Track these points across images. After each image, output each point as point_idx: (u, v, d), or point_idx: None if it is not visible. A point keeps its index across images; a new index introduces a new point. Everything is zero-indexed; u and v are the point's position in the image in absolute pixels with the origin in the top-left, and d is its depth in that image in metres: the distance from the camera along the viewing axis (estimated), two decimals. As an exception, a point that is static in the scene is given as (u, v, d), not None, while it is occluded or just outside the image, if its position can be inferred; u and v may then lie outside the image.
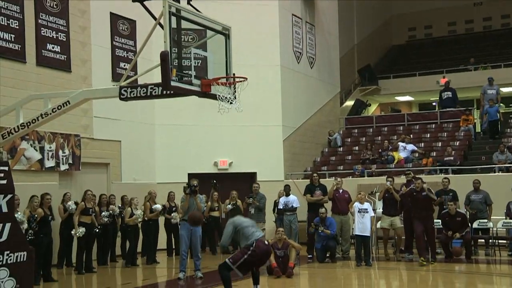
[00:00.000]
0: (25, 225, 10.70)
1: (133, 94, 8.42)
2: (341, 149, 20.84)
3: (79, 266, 12.49)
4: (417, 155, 18.45)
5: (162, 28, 7.94)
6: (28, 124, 8.98)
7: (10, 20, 12.89)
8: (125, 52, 16.09)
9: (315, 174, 15.10)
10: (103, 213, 13.26)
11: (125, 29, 16.16)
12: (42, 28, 13.69)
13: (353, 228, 13.33)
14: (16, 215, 9.35)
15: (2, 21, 12.70)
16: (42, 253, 11.20)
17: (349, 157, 19.99)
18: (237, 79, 8.72)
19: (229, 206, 15.19)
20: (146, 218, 13.95)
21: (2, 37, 12.69)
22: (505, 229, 14.14)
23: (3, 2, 12.73)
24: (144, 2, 8.80)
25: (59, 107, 8.80)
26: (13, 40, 12.93)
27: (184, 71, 8.24)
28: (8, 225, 8.04)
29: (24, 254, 8.17)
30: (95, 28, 15.16)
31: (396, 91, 27.22)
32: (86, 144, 14.74)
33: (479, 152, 18.93)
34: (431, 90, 25.71)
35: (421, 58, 30.18)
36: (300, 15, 20.10)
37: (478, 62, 26.02)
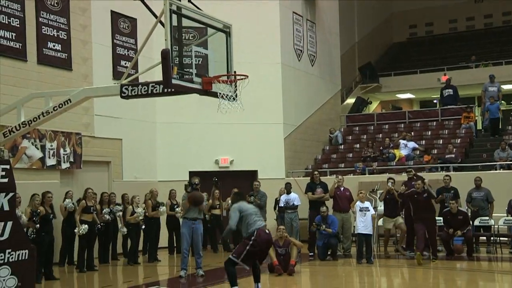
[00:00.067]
0: (24, 219, 10.68)
1: (134, 92, 8.42)
2: (342, 146, 20.83)
3: (81, 264, 12.49)
4: (418, 152, 18.44)
5: (163, 26, 7.93)
6: (29, 122, 8.98)
7: (11, 19, 12.90)
8: (126, 50, 16.09)
9: (316, 172, 15.12)
10: (104, 210, 13.27)
11: (126, 27, 16.15)
12: (43, 27, 13.69)
13: (354, 226, 13.33)
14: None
15: (3, 20, 12.70)
16: (44, 251, 11.21)
17: (350, 155, 19.98)
18: (238, 77, 8.71)
19: (229, 200, 15.18)
20: (147, 216, 13.96)
21: (3, 35, 12.70)
22: (506, 227, 14.15)
23: (4, 1, 12.74)
24: (145, 0, 8.79)
25: (60, 106, 8.80)
26: (14, 38, 12.94)
27: (185, 69, 8.23)
28: (9, 224, 8.04)
29: (25, 252, 8.18)
30: (96, 26, 15.16)
31: (397, 89, 27.19)
32: (87, 142, 14.75)
33: (480, 149, 18.91)
34: (432, 87, 25.68)
35: (422, 56, 30.15)
36: (301, 13, 20.08)
37: (479, 60, 25.98)
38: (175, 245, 15.19)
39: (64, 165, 14.01)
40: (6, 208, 8.06)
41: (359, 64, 26.71)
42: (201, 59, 8.76)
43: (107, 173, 15.60)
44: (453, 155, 17.43)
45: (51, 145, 13.66)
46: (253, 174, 17.55)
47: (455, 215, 13.29)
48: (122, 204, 13.92)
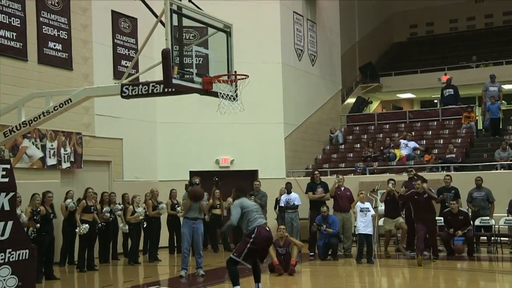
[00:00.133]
0: (23, 218, 10.69)
1: (135, 92, 8.41)
2: (342, 146, 20.83)
3: (81, 264, 12.49)
4: (418, 152, 18.43)
5: (164, 26, 7.93)
6: (30, 122, 8.98)
7: (12, 18, 12.90)
8: (126, 50, 16.09)
9: (316, 172, 15.12)
10: (105, 208, 13.27)
11: (127, 27, 16.15)
12: (43, 26, 13.69)
13: (355, 226, 13.32)
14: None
15: (4, 19, 12.70)
16: (44, 251, 11.22)
17: (351, 155, 19.98)
18: (238, 77, 8.71)
19: (230, 199, 15.19)
20: (145, 222, 13.95)
21: (3, 35, 12.70)
22: (507, 227, 14.15)
23: (5, 0, 12.73)
24: (146, 0, 8.79)
25: (61, 105, 8.80)
26: (14, 38, 12.94)
27: (185, 69, 8.23)
28: (10, 223, 8.04)
29: (26, 252, 8.18)
30: (96, 26, 15.16)
31: (398, 89, 27.19)
32: (87, 142, 14.75)
33: (481, 149, 18.91)
34: (432, 87, 25.68)
35: (422, 55, 30.14)
36: (302, 12, 20.08)
37: (480, 59, 25.98)
38: (175, 245, 15.19)
39: (65, 165, 14.01)
40: (7, 207, 8.06)
41: (359, 63, 26.71)
42: (201, 58, 8.75)
43: (108, 173, 15.60)
44: (453, 155, 17.42)
45: (52, 145, 13.66)
46: (253, 174, 17.55)
47: (455, 215, 13.28)
48: (123, 204, 13.93)
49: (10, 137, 9.31)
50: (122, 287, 11.37)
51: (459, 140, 19.32)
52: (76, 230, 12.42)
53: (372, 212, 12.94)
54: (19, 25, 13.04)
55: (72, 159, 14.18)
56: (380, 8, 30.39)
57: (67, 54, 14.26)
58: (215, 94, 8.45)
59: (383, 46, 31.35)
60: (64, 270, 12.82)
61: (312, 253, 13.85)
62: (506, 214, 14.04)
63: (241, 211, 8.67)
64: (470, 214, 14.03)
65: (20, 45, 13.07)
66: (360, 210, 12.78)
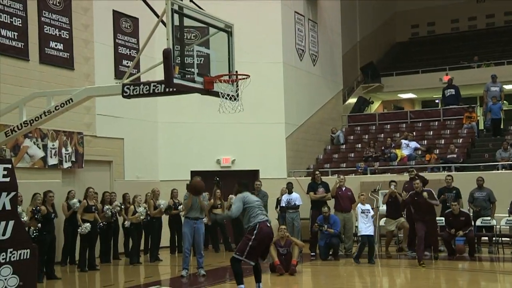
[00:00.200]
0: (24, 217, 10.70)
1: (136, 91, 8.42)
2: (343, 146, 20.82)
3: (82, 264, 12.50)
4: (420, 152, 18.43)
5: (165, 26, 7.92)
6: (31, 122, 8.98)
7: (13, 18, 12.91)
8: (127, 49, 16.10)
9: (317, 172, 15.13)
10: (106, 207, 13.27)
11: (128, 27, 16.16)
12: (45, 26, 13.70)
13: (356, 226, 13.31)
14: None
15: (5, 19, 12.71)
16: (45, 250, 11.23)
17: (352, 155, 19.97)
18: (239, 77, 8.71)
19: (232, 195, 15.17)
20: (149, 216, 13.96)
21: (5, 35, 12.71)
22: (508, 227, 14.14)
23: (6, 0, 12.74)
24: (147, 0, 8.79)
25: (62, 105, 8.80)
26: (16, 38, 12.95)
27: (186, 69, 8.23)
28: (11, 223, 8.04)
29: (27, 252, 8.18)
30: (97, 26, 15.16)
31: (399, 89, 27.19)
32: (89, 142, 14.76)
33: (482, 149, 18.89)
34: (434, 87, 25.67)
35: (424, 56, 30.14)
36: (303, 12, 20.07)
37: (481, 60, 25.97)
38: (176, 244, 15.20)
39: (66, 165, 14.02)
40: (8, 207, 8.06)
41: (361, 63, 26.71)
42: (202, 58, 8.76)
43: (109, 172, 15.61)
44: (455, 155, 17.41)
45: (53, 145, 13.67)
46: (254, 174, 17.54)
47: (457, 216, 13.27)
48: (123, 203, 13.94)
49: (11, 137, 9.32)
50: (123, 286, 11.37)
51: (461, 140, 19.31)
52: (79, 230, 12.42)
53: (372, 212, 12.95)
54: (20, 25, 13.05)
55: (73, 158, 14.18)
56: (382, 8, 30.39)
57: (68, 54, 14.27)
58: (216, 94, 8.45)
59: (385, 46, 31.35)
60: (66, 269, 12.83)
61: (313, 253, 13.85)
62: (508, 215, 14.03)
63: (242, 205, 8.63)
64: (472, 214, 14.02)
65: (21, 44, 13.08)
66: (361, 212, 12.78)
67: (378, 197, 15.30)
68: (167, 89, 8.19)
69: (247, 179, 10.28)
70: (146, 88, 8.36)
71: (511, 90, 24.85)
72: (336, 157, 20.11)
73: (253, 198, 8.91)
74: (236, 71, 8.81)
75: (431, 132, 20.65)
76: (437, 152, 18.45)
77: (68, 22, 14.29)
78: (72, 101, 8.78)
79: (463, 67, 25.85)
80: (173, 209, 14.78)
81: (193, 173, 15.81)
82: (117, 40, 15.82)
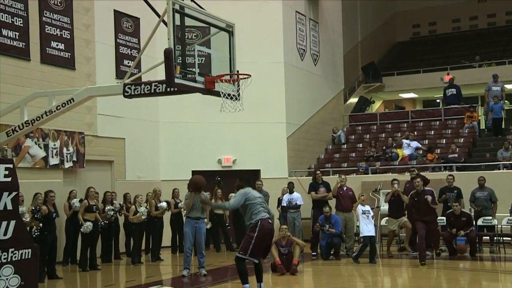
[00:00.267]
0: (26, 217, 10.72)
1: (137, 91, 8.42)
2: (345, 146, 20.82)
3: (83, 264, 12.51)
4: (421, 152, 18.42)
5: (166, 26, 7.93)
6: (33, 121, 8.99)
7: (15, 18, 12.92)
8: (129, 49, 16.11)
9: (318, 172, 15.13)
10: (107, 207, 13.28)
11: (129, 27, 16.17)
12: (46, 26, 13.71)
13: (357, 226, 13.30)
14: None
15: (7, 19, 12.72)
16: (47, 250, 11.24)
17: (353, 154, 19.97)
18: (240, 76, 8.71)
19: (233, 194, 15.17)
20: (151, 215, 13.96)
21: (6, 35, 12.71)
22: (510, 226, 14.13)
23: (8, 0, 12.75)
24: (148, 0, 8.80)
25: (63, 105, 8.81)
26: (17, 37, 12.96)
27: (188, 68, 8.23)
28: (12, 223, 8.04)
29: (28, 252, 8.18)
30: (99, 26, 15.17)
31: (400, 88, 27.19)
32: (90, 142, 14.76)
33: (483, 149, 18.89)
34: (435, 87, 25.67)
35: (425, 55, 30.13)
36: (304, 12, 20.07)
37: (483, 59, 25.97)
38: (178, 244, 15.20)
39: (67, 165, 14.03)
40: (9, 207, 8.06)
41: (362, 63, 26.72)
42: (204, 58, 8.76)
43: (110, 172, 15.62)
44: (456, 155, 17.40)
45: (54, 144, 13.68)
46: (255, 174, 17.54)
47: (458, 217, 13.27)
48: (124, 203, 13.94)
49: (12, 137, 9.33)
50: (124, 286, 11.37)
51: (462, 140, 19.30)
52: (81, 229, 12.42)
53: (372, 213, 12.95)
54: (21, 25, 13.06)
55: (74, 158, 14.19)
56: (383, 8, 30.38)
57: (69, 54, 14.28)
58: (218, 94, 8.46)
59: (386, 45, 31.34)
60: (67, 269, 12.83)
61: (315, 253, 13.86)
62: (509, 214, 14.03)
63: (243, 201, 8.59)
64: (473, 214, 14.01)
65: (22, 44, 13.09)
66: (362, 213, 12.77)
67: (380, 197, 15.29)
68: (168, 89, 8.20)
69: (248, 175, 10.27)
70: (147, 88, 8.36)
71: (512, 90, 24.86)
72: (337, 157, 20.11)
73: (255, 194, 8.81)
74: (237, 71, 8.81)
75: (432, 131, 20.64)
76: (438, 151, 18.44)
77: (69, 22, 14.30)
78: (73, 101, 8.79)
79: (464, 66, 25.84)
80: (173, 208, 14.77)
81: (194, 173, 15.78)
82: (118, 40, 15.83)
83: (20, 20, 13.05)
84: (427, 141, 19.73)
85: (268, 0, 18.21)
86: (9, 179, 8.13)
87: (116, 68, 15.63)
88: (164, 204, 14.17)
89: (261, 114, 17.38)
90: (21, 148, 12.83)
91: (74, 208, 12.60)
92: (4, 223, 7.96)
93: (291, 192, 15.02)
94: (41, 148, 13.36)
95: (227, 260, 13.68)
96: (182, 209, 14.49)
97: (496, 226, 13.97)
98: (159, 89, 8.28)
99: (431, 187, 12.89)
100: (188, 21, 8.39)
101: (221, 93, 8.42)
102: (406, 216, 13.64)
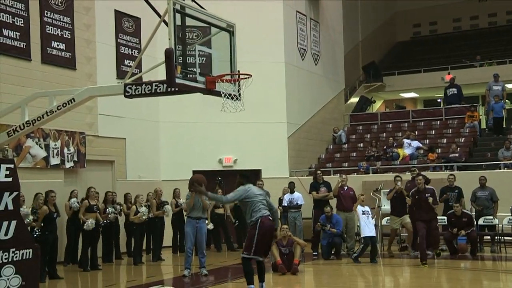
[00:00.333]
0: (30, 218, 10.73)
1: (138, 91, 8.43)
2: (345, 146, 20.82)
3: (84, 263, 12.51)
4: (422, 151, 18.41)
5: (167, 26, 7.94)
6: (33, 121, 9.00)
7: (15, 18, 12.92)
8: (129, 49, 16.11)
9: (318, 172, 15.12)
10: (108, 209, 13.28)
11: (130, 27, 16.17)
12: (47, 26, 13.71)
13: (358, 226, 13.30)
14: (21, 209, 9.41)
15: (7, 19, 12.73)
16: (48, 250, 11.24)
17: (354, 154, 19.97)
18: (241, 76, 8.71)
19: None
20: (151, 216, 13.96)
21: (7, 35, 12.72)
22: (510, 226, 14.11)
23: (9, 0, 12.76)
24: (149, 0, 8.80)
25: (64, 105, 8.81)
26: (18, 38, 12.96)
27: (188, 68, 8.23)
28: (13, 223, 8.05)
29: (29, 251, 8.19)
30: (99, 26, 15.18)
31: (401, 88, 27.18)
32: (91, 142, 14.77)
33: (484, 148, 18.88)
34: (436, 86, 25.66)
35: (425, 55, 30.12)
36: (305, 12, 20.07)
37: (483, 59, 25.95)
38: (179, 244, 15.20)
39: (68, 164, 14.04)
40: (10, 207, 8.07)
41: (362, 63, 26.71)
42: (204, 58, 8.76)
43: (111, 172, 15.62)
44: (457, 154, 17.39)
45: (55, 144, 13.69)
46: (256, 173, 17.53)
47: (459, 217, 13.26)
48: (125, 203, 13.94)
49: (13, 137, 9.33)
50: (125, 286, 11.37)
51: (463, 139, 19.30)
52: (84, 226, 12.39)
53: (372, 213, 12.95)
54: (22, 25, 13.07)
55: (75, 158, 14.20)
56: (383, 7, 30.38)
57: (70, 54, 14.28)
58: (218, 94, 8.46)
59: (386, 45, 31.33)
60: (68, 269, 12.83)
61: (315, 253, 13.85)
62: (510, 214, 14.02)
63: (242, 198, 8.55)
64: (474, 213, 14.00)
65: (23, 44, 13.10)
66: (362, 213, 12.77)
67: (380, 197, 15.28)
68: (169, 89, 8.20)
69: (249, 172, 10.24)
70: (148, 88, 8.37)
71: (513, 89, 24.84)
72: (338, 157, 20.11)
73: (256, 191, 8.73)
74: (238, 71, 8.82)
75: (433, 131, 20.64)
76: (439, 151, 18.44)
77: (70, 22, 14.31)
78: (74, 101, 8.80)
79: (465, 66, 25.83)
80: (174, 207, 14.77)
81: (195, 173, 15.78)
82: (119, 40, 15.84)
83: (21, 20, 13.06)
84: (428, 140, 19.73)
85: (268, 0, 18.20)
86: (10, 179, 8.13)
87: (117, 68, 15.64)
88: (169, 207, 14.15)
89: (262, 114, 17.38)
90: (22, 148, 12.84)
91: (74, 207, 12.60)
92: (5, 223, 7.97)
93: (292, 192, 15.02)
94: (42, 148, 13.37)
95: (228, 260, 13.69)
96: (183, 204, 14.44)
97: (497, 225, 13.97)
98: (160, 89, 8.28)
99: (432, 187, 12.86)
100: (189, 21, 8.39)
101: (222, 93, 8.42)
102: (408, 215, 13.63)
